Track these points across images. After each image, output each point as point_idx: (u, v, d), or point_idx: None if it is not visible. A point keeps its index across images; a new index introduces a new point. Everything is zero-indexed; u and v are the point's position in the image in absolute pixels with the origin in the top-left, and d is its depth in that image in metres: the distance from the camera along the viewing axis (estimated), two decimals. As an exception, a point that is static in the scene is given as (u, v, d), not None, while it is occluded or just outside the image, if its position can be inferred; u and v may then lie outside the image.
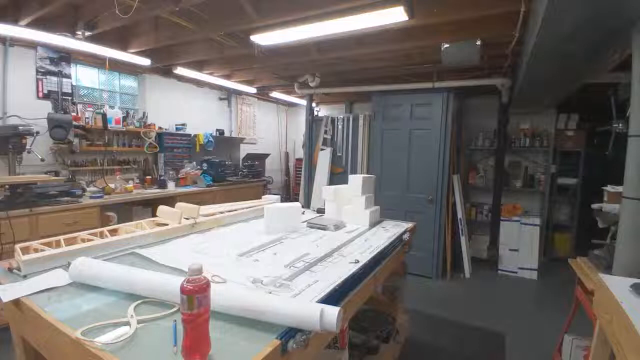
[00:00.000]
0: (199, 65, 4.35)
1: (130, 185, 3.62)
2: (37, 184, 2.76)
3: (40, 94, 3.37)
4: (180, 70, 4.25)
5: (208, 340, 0.78)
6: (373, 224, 2.23)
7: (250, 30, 2.88)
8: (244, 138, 5.95)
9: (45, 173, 3.16)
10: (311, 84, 4.66)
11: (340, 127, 4.90)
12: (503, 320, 3.01)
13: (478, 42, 2.84)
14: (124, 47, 3.48)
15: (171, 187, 3.94)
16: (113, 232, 1.67)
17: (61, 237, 1.48)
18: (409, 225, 2.24)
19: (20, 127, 2.81)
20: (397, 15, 2.35)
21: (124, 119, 3.95)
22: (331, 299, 1.10)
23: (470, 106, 4.92)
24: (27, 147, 2.95)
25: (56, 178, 3.18)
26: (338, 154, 4.94)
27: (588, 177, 4.58)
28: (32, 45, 3.25)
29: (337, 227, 2.07)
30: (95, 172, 3.76)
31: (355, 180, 2.25)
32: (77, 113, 3.54)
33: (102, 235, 1.60)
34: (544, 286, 3.93)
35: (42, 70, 3.37)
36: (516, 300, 3.59)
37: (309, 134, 5.19)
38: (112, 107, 3.97)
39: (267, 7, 2.59)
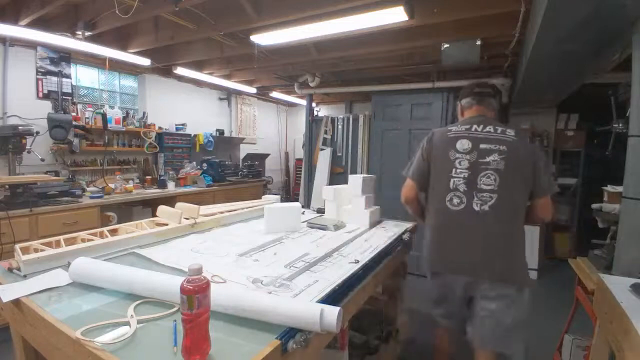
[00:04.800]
0: (199, 65, 4.35)
1: (130, 185, 3.62)
2: (37, 184, 2.76)
3: (40, 94, 3.36)
4: (180, 70, 4.25)
5: (208, 340, 0.78)
6: (373, 224, 2.23)
7: (250, 30, 2.88)
8: (244, 138, 5.95)
9: (45, 173, 3.15)
10: (311, 84, 4.66)
11: (340, 127, 4.90)
12: (503, 320, 3.01)
13: (478, 42, 2.84)
14: (123, 47, 3.48)
15: (171, 187, 3.94)
16: (113, 232, 1.67)
17: (61, 237, 1.48)
18: (409, 225, 2.24)
19: (20, 127, 2.81)
20: (397, 15, 2.35)
21: (124, 119, 3.94)
22: (331, 299, 1.10)
23: (470, 106, 4.92)
24: (27, 147, 2.95)
25: (56, 178, 3.17)
26: (338, 154, 4.94)
27: (588, 177, 4.58)
28: (32, 45, 3.25)
29: (337, 227, 2.07)
30: (95, 172, 3.76)
31: (355, 180, 2.25)
32: (77, 113, 3.54)
33: (102, 235, 1.60)
34: (544, 286, 3.93)
35: (42, 70, 3.37)
36: (516, 300, 3.59)
37: (309, 134, 5.18)
38: (112, 107, 3.96)
39: (267, 7, 2.59)
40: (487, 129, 1.53)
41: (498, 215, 1.46)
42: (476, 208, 1.47)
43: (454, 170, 1.52)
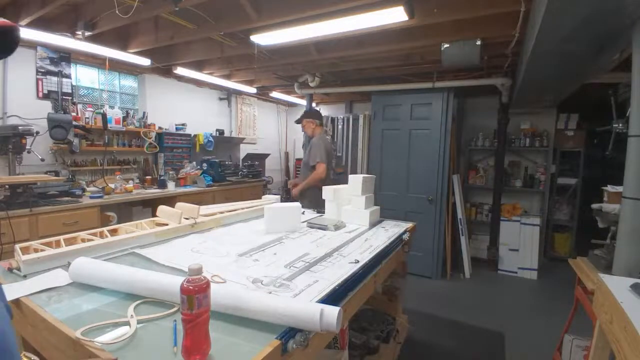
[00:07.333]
0: (199, 65, 4.35)
1: (130, 185, 3.62)
2: (37, 184, 2.76)
3: (40, 94, 3.36)
4: (180, 70, 4.24)
5: (208, 340, 0.78)
6: (373, 224, 2.23)
7: (250, 30, 2.88)
8: (244, 138, 5.95)
9: (45, 173, 3.16)
10: (311, 84, 4.66)
11: (340, 127, 4.90)
12: (503, 320, 3.01)
13: (478, 42, 2.84)
14: (123, 47, 3.48)
15: (171, 187, 3.94)
16: (113, 232, 1.67)
17: (61, 237, 1.48)
18: (409, 225, 2.24)
19: (20, 127, 2.81)
20: (397, 15, 2.35)
21: (124, 119, 3.94)
22: (331, 299, 1.10)
23: (470, 106, 4.92)
24: (27, 147, 2.95)
25: (56, 178, 3.17)
26: (338, 154, 4.94)
27: (588, 177, 4.58)
28: (32, 45, 3.25)
29: (337, 227, 2.07)
30: (95, 172, 3.76)
31: (355, 180, 2.25)
32: (77, 113, 3.54)
33: (102, 235, 1.60)
34: (544, 286, 3.94)
35: (42, 70, 3.37)
36: (516, 300, 3.60)
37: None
38: (112, 107, 3.96)
39: (267, 7, 2.59)
40: (328, 137, 2.80)
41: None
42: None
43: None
